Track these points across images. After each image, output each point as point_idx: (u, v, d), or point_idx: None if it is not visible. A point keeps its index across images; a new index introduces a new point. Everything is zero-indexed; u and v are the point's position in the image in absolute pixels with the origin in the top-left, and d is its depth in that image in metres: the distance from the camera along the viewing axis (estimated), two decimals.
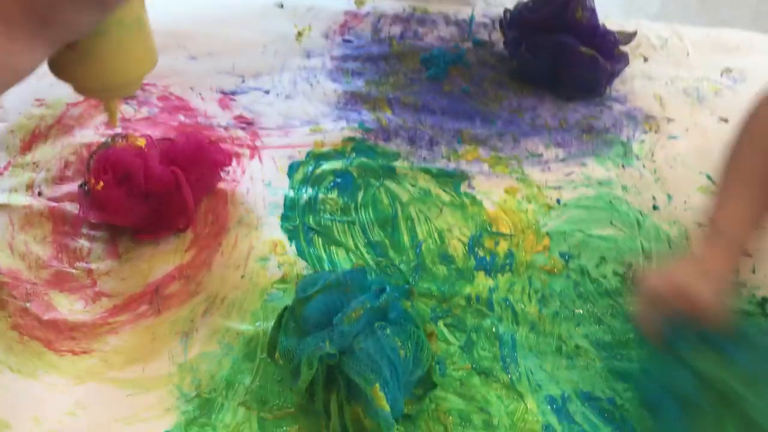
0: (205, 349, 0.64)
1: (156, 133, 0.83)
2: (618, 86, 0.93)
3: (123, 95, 0.66)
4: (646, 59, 0.97)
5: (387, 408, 0.52)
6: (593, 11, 0.87)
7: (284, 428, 0.59)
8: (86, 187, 0.70)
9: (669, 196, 0.80)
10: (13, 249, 0.71)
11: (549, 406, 0.62)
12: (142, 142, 0.69)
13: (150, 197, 0.70)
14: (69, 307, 0.67)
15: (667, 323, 0.61)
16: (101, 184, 0.66)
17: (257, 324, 0.66)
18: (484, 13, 1.02)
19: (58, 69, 0.59)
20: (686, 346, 0.60)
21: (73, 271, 0.70)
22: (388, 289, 0.56)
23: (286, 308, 0.60)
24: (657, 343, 0.62)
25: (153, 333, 0.65)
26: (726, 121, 0.88)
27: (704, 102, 0.91)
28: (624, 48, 0.90)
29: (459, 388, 0.63)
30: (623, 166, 0.84)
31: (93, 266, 0.70)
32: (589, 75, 0.88)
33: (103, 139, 0.80)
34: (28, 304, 0.66)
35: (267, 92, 0.90)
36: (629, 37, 0.89)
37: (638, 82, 0.94)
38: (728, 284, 0.63)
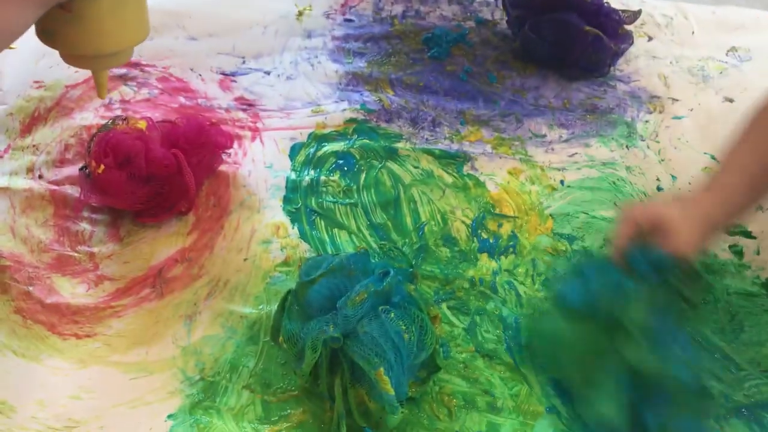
0: (209, 332, 0.64)
1: (156, 114, 0.82)
2: (622, 65, 0.92)
3: (113, 65, 0.64)
4: (650, 38, 0.96)
5: (392, 391, 0.52)
6: None
7: (288, 411, 0.59)
8: (87, 170, 0.70)
9: (673, 177, 0.80)
10: (15, 232, 0.70)
11: (552, 388, 0.62)
12: (142, 125, 0.69)
13: (151, 180, 0.69)
14: (71, 291, 0.67)
15: (636, 245, 0.60)
16: (102, 167, 0.66)
17: (260, 307, 0.66)
18: None
19: (49, 33, 0.57)
20: (642, 267, 0.59)
21: (75, 254, 0.70)
22: (391, 272, 0.56)
23: (289, 292, 0.60)
24: (618, 261, 0.61)
25: (156, 316, 0.65)
26: (731, 101, 0.87)
27: (709, 82, 0.90)
28: (628, 27, 0.89)
29: (463, 371, 0.63)
30: (627, 146, 0.83)
31: (95, 250, 0.70)
32: (593, 54, 0.87)
33: (103, 122, 0.80)
34: (30, 288, 0.66)
35: (268, 73, 0.89)
36: (634, 15, 0.88)
37: (642, 62, 0.93)
38: (703, 234, 0.61)
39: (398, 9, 0.99)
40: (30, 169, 0.76)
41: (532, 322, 0.66)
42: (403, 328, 0.54)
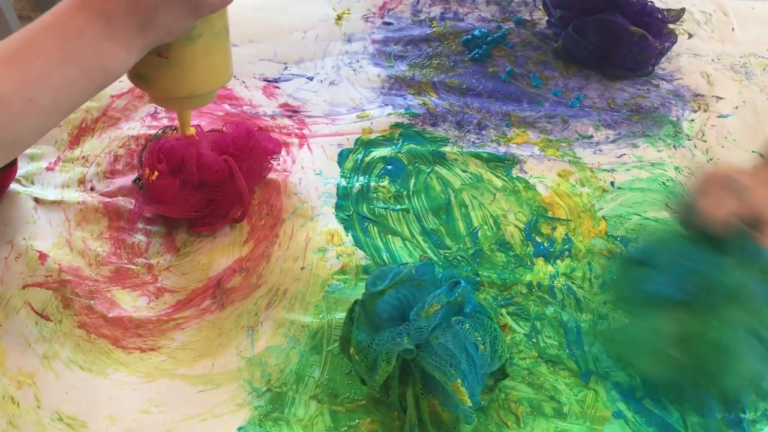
0: (272, 342, 0.65)
1: (203, 122, 0.82)
2: (664, 64, 0.92)
3: (199, 106, 0.67)
4: (690, 35, 0.95)
5: (469, 402, 0.52)
6: None
7: (357, 421, 0.60)
8: (140, 182, 0.70)
9: None
10: (72, 246, 0.70)
11: (618, 393, 0.62)
12: (192, 132, 0.69)
13: (203, 186, 0.69)
14: (133, 304, 0.67)
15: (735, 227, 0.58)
16: (156, 173, 0.66)
17: (321, 316, 0.66)
18: None
19: (144, 77, 0.62)
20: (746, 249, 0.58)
21: (134, 267, 0.70)
22: (462, 283, 0.56)
23: (356, 302, 0.60)
24: (717, 229, 0.59)
25: (219, 328, 0.65)
26: None
27: (753, 78, 0.90)
28: (672, 26, 0.88)
29: (527, 377, 0.63)
30: (674, 146, 0.83)
31: (153, 261, 0.70)
32: (638, 54, 0.86)
33: (150, 132, 0.80)
34: (92, 302, 0.66)
35: (311, 79, 0.89)
36: (678, 14, 0.87)
37: (684, 60, 0.93)
38: None
39: (436, 11, 0.99)
40: (81, 181, 0.76)
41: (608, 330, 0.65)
42: (478, 339, 0.54)
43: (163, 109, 0.82)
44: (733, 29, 0.96)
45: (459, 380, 0.52)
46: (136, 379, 0.62)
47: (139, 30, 0.53)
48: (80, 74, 0.52)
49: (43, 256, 0.69)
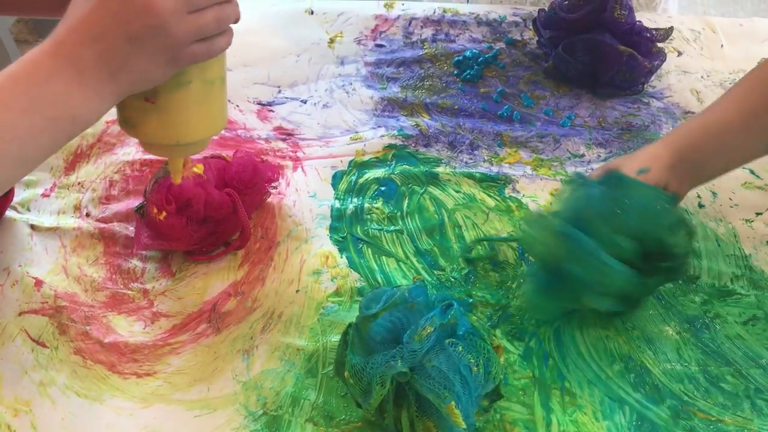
0: (267, 366, 0.65)
1: None
2: (654, 82, 0.93)
3: (189, 154, 0.64)
4: (680, 53, 0.97)
5: (463, 425, 0.53)
6: (630, 9, 0.87)
7: None
8: (142, 211, 0.70)
9: (714, 194, 0.80)
10: (68, 272, 0.71)
11: (610, 412, 0.62)
12: (199, 169, 0.69)
13: (207, 220, 0.70)
14: (128, 329, 0.67)
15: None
16: (164, 214, 0.66)
17: (316, 339, 0.67)
18: (514, 11, 1.02)
19: (131, 123, 0.58)
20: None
21: (129, 292, 0.70)
22: (455, 305, 0.57)
23: (350, 325, 0.61)
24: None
25: (214, 352, 0.66)
26: None
27: None
28: (660, 44, 0.89)
29: (522, 397, 0.63)
30: None
31: (148, 286, 0.71)
32: (627, 73, 0.87)
33: (147, 157, 0.80)
34: (88, 328, 0.66)
35: (304, 102, 0.90)
36: (666, 33, 0.88)
37: (674, 77, 0.94)
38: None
39: (428, 32, 1.00)
40: (77, 207, 0.77)
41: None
42: (472, 361, 0.54)
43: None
44: (722, 46, 0.98)
45: (453, 402, 0.53)
46: (133, 405, 0.62)
47: (110, 77, 0.51)
48: (48, 123, 0.50)
49: (38, 283, 0.69)
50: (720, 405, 0.63)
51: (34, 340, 0.65)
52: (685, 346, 0.67)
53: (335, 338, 0.66)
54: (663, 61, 0.90)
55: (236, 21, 0.57)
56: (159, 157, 0.80)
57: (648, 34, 0.88)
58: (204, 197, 0.69)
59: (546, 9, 0.92)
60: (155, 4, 0.49)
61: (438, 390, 0.53)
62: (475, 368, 0.54)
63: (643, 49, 0.87)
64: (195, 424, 0.61)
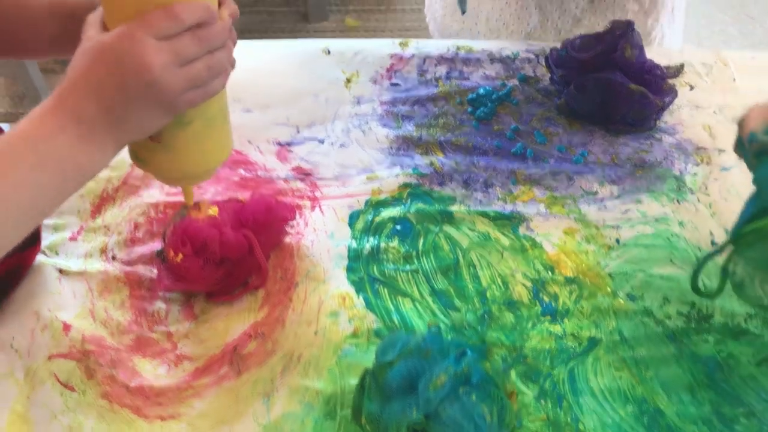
0: (287, 409, 0.67)
1: (219, 188, 0.86)
2: (666, 117, 0.94)
3: (198, 183, 0.69)
4: (692, 87, 0.98)
5: None
6: (641, 48, 0.88)
7: None
8: (162, 255, 0.73)
9: (726, 231, 0.81)
10: (95, 316, 0.73)
11: None
12: (214, 211, 0.72)
13: (224, 262, 0.72)
14: (153, 372, 0.69)
15: None
16: (180, 256, 0.68)
17: (334, 381, 0.68)
18: (527, 48, 1.03)
19: (141, 159, 0.62)
20: None
21: (154, 335, 0.72)
22: (469, 353, 0.58)
23: (366, 372, 0.62)
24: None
25: (236, 395, 0.68)
26: None
27: None
28: (671, 81, 0.91)
29: None
30: (678, 201, 0.85)
31: (172, 329, 0.73)
32: (639, 111, 0.89)
33: (169, 199, 0.83)
34: (114, 372, 0.69)
35: (321, 141, 0.92)
36: (677, 70, 0.90)
37: (686, 112, 0.95)
38: None
39: (442, 70, 1.02)
40: (103, 251, 0.79)
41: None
42: (485, 410, 0.56)
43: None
44: (734, 80, 0.98)
45: None
46: None
47: (112, 130, 0.54)
48: (56, 177, 0.54)
49: (66, 327, 0.72)
50: None
51: (63, 384, 0.68)
52: (698, 387, 0.68)
53: (353, 381, 0.68)
54: (674, 98, 0.91)
55: (232, 65, 0.60)
56: (175, 188, 0.84)
57: (659, 72, 0.89)
58: (219, 238, 0.71)
59: (558, 47, 0.94)
60: (147, 61, 0.52)
61: None
62: (489, 417, 0.56)
63: (654, 87, 0.88)
64: None
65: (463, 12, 0.90)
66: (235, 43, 0.62)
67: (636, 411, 0.66)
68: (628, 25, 0.87)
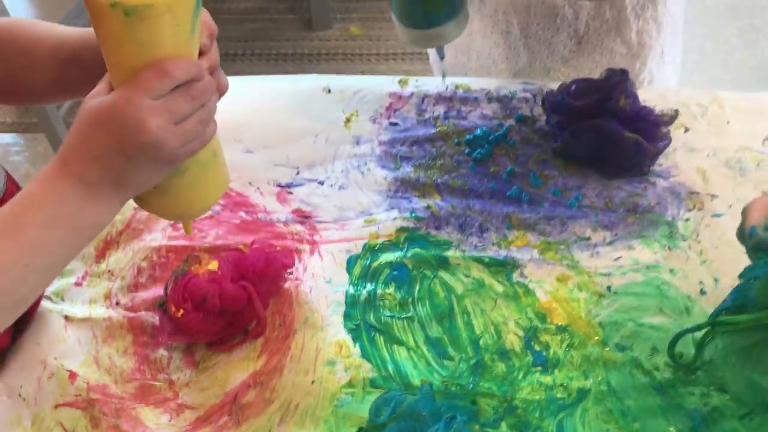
0: None
1: (221, 231, 0.88)
2: (661, 159, 0.95)
3: (197, 217, 0.72)
4: (687, 129, 0.99)
5: None
6: (635, 97, 0.90)
7: None
8: (164, 307, 0.75)
9: (716, 280, 0.83)
10: (99, 363, 0.76)
11: None
12: (214, 266, 0.74)
13: (224, 313, 0.74)
14: (156, 422, 0.72)
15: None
16: (181, 311, 0.71)
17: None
18: (524, 87, 1.05)
19: (142, 201, 0.66)
20: None
21: (156, 383, 0.75)
22: (458, 418, 0.60)
23: (360, 431, 0.65)
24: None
25: None
26: None
27: (747, 175, 0.93)
28: (665, 129, 0.92)
29: None
30: (669, 248, 0.86)
31: (173, 377, 0.75)
32: (633, 157, 0.90)
33: (173, 243, 0.85)
34: (118, 421, 0.71)
35: (321, 183, 0.94)
36: (671, 118, 0.91)
37: (680, 155, 0.96)
38: None
39: (440, 109, 1.04)
40: (107, 296, 0.82)
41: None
42: None
43: None
44: (728, 122, 1.00)
45: None
46: None
47: (116, 188, 0.57)
48: (68, 233, 0.57)
49: (72, 375, 0.74)
50: None
51: None
52: None
53: (349, 430, 0.70)
54: (668, 143, 0.92)
55: (222, 93, 0.63)
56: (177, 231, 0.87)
57: (653, 118, 0.91)
58: (219, 292, 0.74)
59: (554, 91, 0.95)
60: (144, 124, 0.54)
61: None
62: None
63: (649, 134, 0.90)
64: None
65: (442, 58, 0.92)
66: (226, 88, 0.65)
67: None
68: (623, 74, 0.88)
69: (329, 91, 1.06)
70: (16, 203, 0.56)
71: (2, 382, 0.73)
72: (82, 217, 0.57)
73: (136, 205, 0.89)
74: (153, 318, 0.79)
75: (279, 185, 0.94)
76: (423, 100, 1.05)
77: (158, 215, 0.68)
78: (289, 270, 0.82)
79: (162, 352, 0.77)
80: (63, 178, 0.56)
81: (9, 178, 0.79)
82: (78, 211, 0.57)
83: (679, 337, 0.73)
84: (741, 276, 0.69)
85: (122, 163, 0.56)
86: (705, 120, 1.01)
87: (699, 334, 0.72)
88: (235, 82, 0.68)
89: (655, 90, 1.02)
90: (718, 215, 0.89)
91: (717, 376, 0.69)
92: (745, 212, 0.72)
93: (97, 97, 0.56)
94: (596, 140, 0.90)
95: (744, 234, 0.70)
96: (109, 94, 0.56)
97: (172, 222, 0.88)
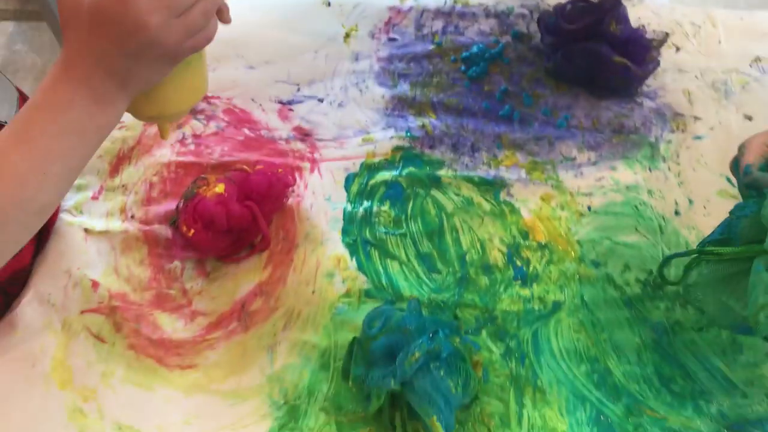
0: (288, 361, 0.78)
1: (225, 148, 0.93)
2: (650, 80, 0.98)
3: (175, 121, 0.74)
4: (678, 49, 1.01)
5: None
6: (627, 21, 0.91)
7: (358, 430, 0.73)
8: (176, 225, 0.82)
9: (690, 201, 0.88)
10: (119, 273, 0.83)
11: (573, 408, 0.74)
12: (221, 188, 0.80)
13: (231, 231, 0.81)
14: (172, 326, 0.80)
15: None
16: (192, 231, 0.77)
17: (329, 336, 0.79)
18: (521, 3, 1.06)
19: None
20: None
21: (171, 291, 0.82)
22: (441, 333, 0.68)
23: (355, 339, 0.73)
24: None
25: (244, 348, 0.79)
26: (750, 118, 0.94)
27: (731, 98, 0.96)
28: (655, 53, 0.94)
29: (499, 394, 0.75)
30: (650, 169, 0.91)
31: (187, 286, 0.83)
32: (621, 81, 0.93)
33: (181, 159, 0.90)
34: (138, 326, 0.79)
35: (321, 100, 0.98)
36: (661, 42, 0.93)
37: (669, 76, 0.99)
38: None
39: (438, 25, 1.05)
40: (122, 210, 0.88)
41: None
42: (451, 384, 0.66)
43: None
44: (719, 42, 1.01)
45: (435, 417, 0.65)
46: (178, 394, 0.75)
47: (120, 88, 0.57)
48: (79, 138, 0.58)
49: (95, 284, 0.82)
50: (667, 404, 0.75)
51: (95, 336, 0.78)
52: (645, 349, 0.78)
53: (345, 336, 0.78)
54: (656, 66, 0.95)
55: (218, 3, 0.60)
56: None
57: (644, 42, 0.93)
58: (226, 213, 0.80)
59: (550, 11, 0.97)
60: (144, 21, 0.53)
61: (423, 405, 0.66)
62: (454, 389, 0.67)
63: (638, 58, 0.92)
64: (230, 411, 0.74)
65: None
66: None
67: (588, 370, 0.77)
68: (616, 1, 0.90)
69: (329, 4, 1.07)
70: (27, 111, 0.57)
71: (33, 290, 0.81)
72: (91, 122, 0.58)
73: (144, 123, 0.95)
74: (166, 230, 0.86)
75: (280, 102, 0.98)
76: (422, 15, 1.06)
77: (135, 115, 0.66)
78: (291, 190, 0.87)
79: (176, 263, 0.84)
80: (69, 83, 0.56)
81: (21, 94, 0.84)
82: (87, 117, 0.57)
83: (669, 259, 0.78)
84: (731, 213, 0.72)
85: (126, 64, 0.56)
86: (697, 40, 1.02)
87: (686, 259, 0.76)
88: None
89: (649, 7, 1.04)
90: (698, 137, 0.94)
91: (697, 298, 0.74)
92: (742, 147, 0.74)
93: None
94: (587, 63, 0.93)
95: (738, 169, 0.74)
96: None
97: (179, 139, 0.93)
